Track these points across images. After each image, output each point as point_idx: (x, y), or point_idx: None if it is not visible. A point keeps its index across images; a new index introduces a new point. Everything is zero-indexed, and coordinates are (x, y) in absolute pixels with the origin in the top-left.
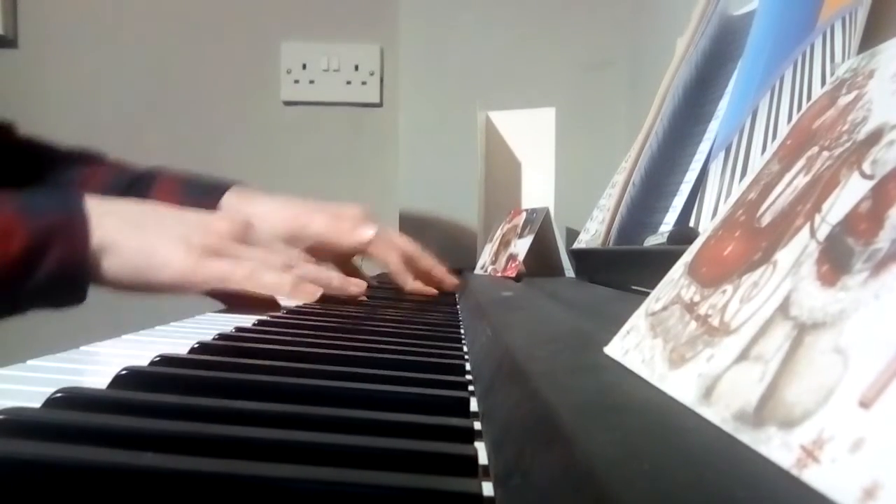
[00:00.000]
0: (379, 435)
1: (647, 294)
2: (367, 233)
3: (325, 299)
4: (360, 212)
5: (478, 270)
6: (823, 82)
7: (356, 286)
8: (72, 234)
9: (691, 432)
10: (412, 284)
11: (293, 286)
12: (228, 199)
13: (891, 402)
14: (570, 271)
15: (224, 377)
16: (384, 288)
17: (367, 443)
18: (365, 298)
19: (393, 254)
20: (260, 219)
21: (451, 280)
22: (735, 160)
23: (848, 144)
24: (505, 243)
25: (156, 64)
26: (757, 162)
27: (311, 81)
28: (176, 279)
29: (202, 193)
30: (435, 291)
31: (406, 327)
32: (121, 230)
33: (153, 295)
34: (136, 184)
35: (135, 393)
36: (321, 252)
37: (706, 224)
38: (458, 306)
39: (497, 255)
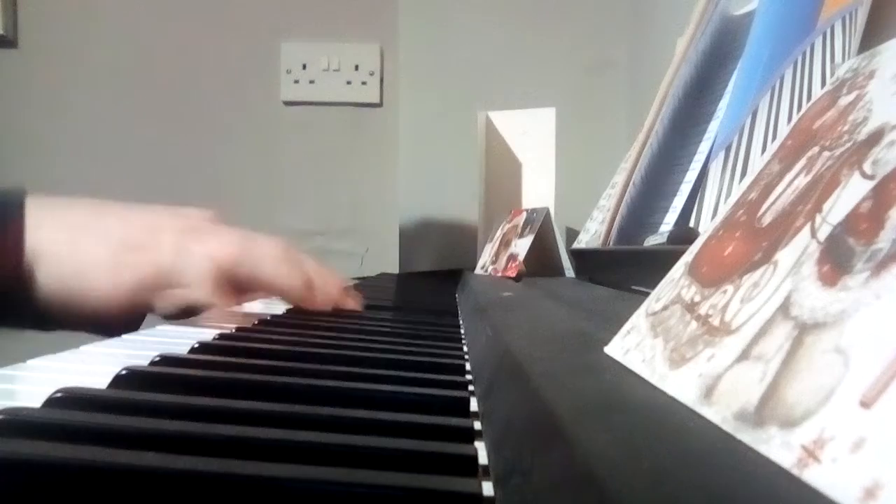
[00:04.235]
0: (379, 435)
1: (648, 294)
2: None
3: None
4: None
5: (478, 270)
6: (823, 82)
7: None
8: (3, 247)
9: (692, 432)
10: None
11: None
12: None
13: (892, 402)
14: (570, 271)
15: (224, 377)
16: (382, 287)
17: (367, 442)
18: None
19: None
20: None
21: (351, 301)
22: (735, 160)
23: (848, 144)
24: (505, 243)
25: (156, 64)
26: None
27: (311, 81)
28: (102, 283)
29: None
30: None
31: (406, 327)
32: (54, 239)
33: (89, 311)
34: None
35: (135, 393)
36: None
37: (706, 224)
38: (458, 306)
39: (497, 254)
